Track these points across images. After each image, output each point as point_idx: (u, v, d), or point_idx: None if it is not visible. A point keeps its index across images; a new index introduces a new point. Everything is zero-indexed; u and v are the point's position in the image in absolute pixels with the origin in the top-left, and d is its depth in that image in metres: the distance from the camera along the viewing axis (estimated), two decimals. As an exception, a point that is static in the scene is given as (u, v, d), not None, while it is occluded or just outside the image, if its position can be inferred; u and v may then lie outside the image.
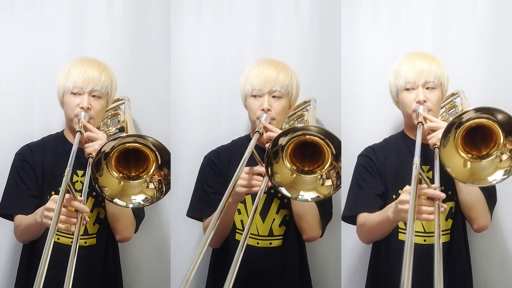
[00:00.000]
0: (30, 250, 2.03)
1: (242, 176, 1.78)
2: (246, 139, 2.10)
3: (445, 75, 1.98)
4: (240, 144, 2.09)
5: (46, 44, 2.30)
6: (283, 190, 1.72)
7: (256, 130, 1.92)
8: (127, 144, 1.73)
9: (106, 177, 1.74)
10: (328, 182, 1.73)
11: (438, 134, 1.76)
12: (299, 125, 1.73)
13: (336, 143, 1.71)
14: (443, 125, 1.78)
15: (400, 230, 1.95)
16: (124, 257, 2.22)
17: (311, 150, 1.74)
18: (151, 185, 1.77)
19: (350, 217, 2.01)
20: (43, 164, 2.03)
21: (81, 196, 1.71)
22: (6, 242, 2.21)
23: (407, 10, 2.28)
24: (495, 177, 1.68)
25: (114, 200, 1.74)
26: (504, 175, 1.68)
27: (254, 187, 1.80)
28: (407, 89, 1.95)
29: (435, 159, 1.73)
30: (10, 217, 2.02)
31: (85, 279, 1.98)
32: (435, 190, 1.61)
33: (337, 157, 1.71)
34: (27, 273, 2.03)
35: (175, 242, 2.31)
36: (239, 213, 2.02)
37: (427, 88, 1.94)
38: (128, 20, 2.33)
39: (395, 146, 2.05)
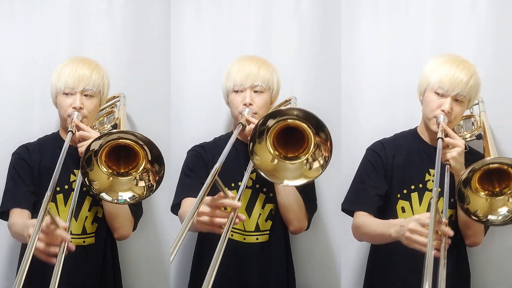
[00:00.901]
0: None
1: (203, 210, 1.63)
2: (229, 135, 2.07)
3: (478, 90, 1.93)
4: (223, 140, 2.09)
5: (46, 44, 2.30)
6: (262, 173, 1.65)
7: (239, 122, 1.93)
8: (119, 141, 1.71)
9: (96, 172, 1.72)
10: (316, 164, 1.67)
11: (453, 153, 1.79)
12: (283, 108, 1.67)
13: (313, 121, 1.63)
14: (461, 143, 1.81)
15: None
16: (123, 255, 2.22)
17: (295, 137, 1.68)
18: (141, 183, 1.75)
19: (348, 210, 2.02)
20: (40, 164, 2.03)
21: (66, 222, 1.63)
22: (6, 242, 2.21)
23: (407, 10, 2.28)
24: (499, 214, 1.74)
25: (101, 194, 1.72)
26: (504, 217, 1.73)
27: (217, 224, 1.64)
28: (437, 94, 1.90)
29: (446, 172, 1.77)
30: (7, 215, 1.99)
31: (84, 278, 2.00)
32: (445, 227, 1.60)
33: (318, 133, 1.63)
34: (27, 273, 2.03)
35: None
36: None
37: (456, 100, 1.89)
38: (128, 19, 2.33)
39: (405, 144, 2.03)
